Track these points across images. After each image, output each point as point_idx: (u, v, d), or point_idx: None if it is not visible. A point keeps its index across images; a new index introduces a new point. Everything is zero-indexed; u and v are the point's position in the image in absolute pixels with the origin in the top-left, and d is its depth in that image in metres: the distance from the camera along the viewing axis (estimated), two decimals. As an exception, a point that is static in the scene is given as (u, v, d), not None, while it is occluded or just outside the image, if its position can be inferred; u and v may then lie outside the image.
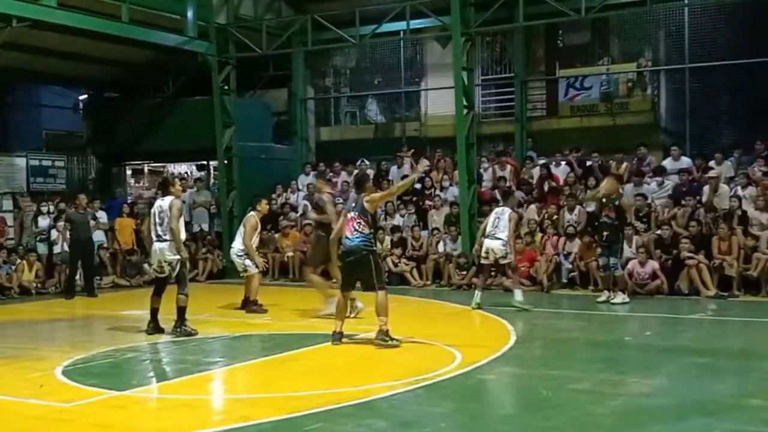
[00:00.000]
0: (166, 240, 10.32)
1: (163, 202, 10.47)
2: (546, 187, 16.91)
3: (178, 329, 10.41)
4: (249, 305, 12.69)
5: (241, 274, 12.92)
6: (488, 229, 12.61)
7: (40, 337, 11.34)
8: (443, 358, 8.59)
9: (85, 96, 23.51)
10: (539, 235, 15.60)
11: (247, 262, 12.63)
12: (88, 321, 12.55)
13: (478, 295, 12.44)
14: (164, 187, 10.90)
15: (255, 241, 12.84)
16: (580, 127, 18.84)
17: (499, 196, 15.59)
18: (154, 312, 10.65)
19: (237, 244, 12.80)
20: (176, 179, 11.71)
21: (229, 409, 7.25)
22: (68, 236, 15.75)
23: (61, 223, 16.55)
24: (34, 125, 22.62)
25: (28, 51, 17.68)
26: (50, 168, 20.62)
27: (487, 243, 12.51)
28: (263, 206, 13.01)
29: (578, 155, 17.23)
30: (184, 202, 19.48)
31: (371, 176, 14.11)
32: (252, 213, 12.81)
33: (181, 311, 10.43)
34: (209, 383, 8.24)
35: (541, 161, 17.67)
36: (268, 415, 6.55)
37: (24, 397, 7.29)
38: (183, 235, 10.59)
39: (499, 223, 12.53)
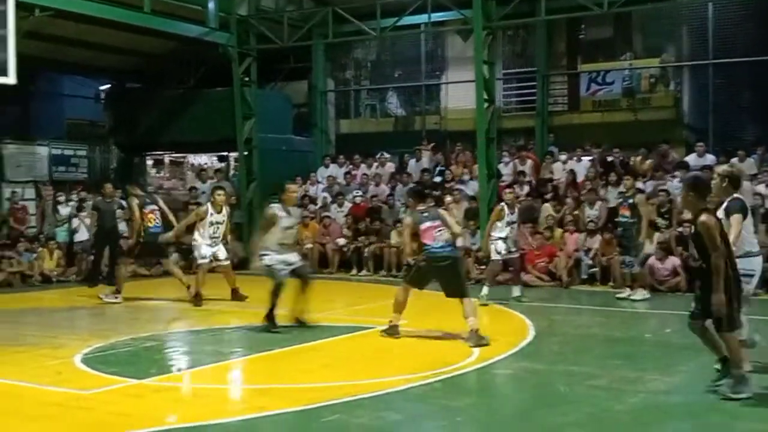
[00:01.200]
0: None
1: None
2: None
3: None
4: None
5: None
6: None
7: (60, 324, 11.42)
8: (461, 352, 8.57)
9: (107, 86, 23.63)
10: (558, 230, 15.52)
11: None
12: (108, 309, 12.61)
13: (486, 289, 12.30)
14: None
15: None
16: (601, 123, 18.73)
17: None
18: None
19: None
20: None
21: (246, 399, 7.28)
22: (94, 225, 15.84)
23: (84, 213, 16.67)
24: (56, 114, 22.76)
25: (50, 40, 17.80)
26: (72, 157, 20.76)
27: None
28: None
29: (600, 151, 17.12)
30: (203, 192, 19.76)
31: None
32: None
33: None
34: (227, 373, 8.28)
35: (562, 156, 17.57)
36: (285, 405, 6.57)
37: (43, 384, 7.35)
38: None
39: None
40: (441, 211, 9.92)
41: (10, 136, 19.63)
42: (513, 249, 12.73)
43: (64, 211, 17.45)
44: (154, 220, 12.84)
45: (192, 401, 7.16)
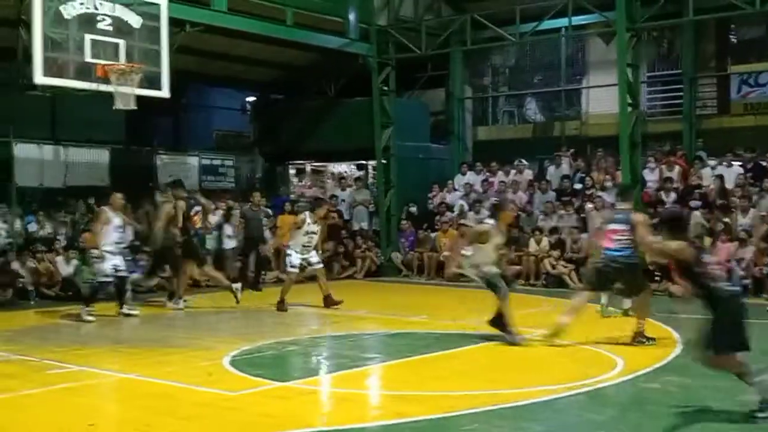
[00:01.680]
0: None
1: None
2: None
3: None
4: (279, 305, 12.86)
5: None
6: None
7: (208, 327, 11.89)
8: (604, 363, 8.33)
9: (253, 98, 24.49)
10: (708, 239, 14.83)
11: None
12: (253, 314, 13.04)
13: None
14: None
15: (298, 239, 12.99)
16: (754, 126, 17.80)
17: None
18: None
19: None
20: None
21: (385, 405, 7.34)
22: (242, 232, 16.44)
23: (232, 222, 17.28)
24: (205, 126, 23.78)
25: (200, 54, 18.62)
26: (220, 167, 21.61)
27: None
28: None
29: (752, 155, 16.26)
30: (343, 200, 20.17)
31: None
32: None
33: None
34: (366, 379, 8.38)
35: (712, 162, 16.81)
36: (423, 412, 6.58)
37: (194, 385, 7.67)
38: None
39: None
40: (637, 216, 9.62)
41: (163, 147, 20.66)
42: None
43: (213, 219, 18.15)
44: (200, 221, 13.42)
45: (333, 405, 7.28)
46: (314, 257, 13.11)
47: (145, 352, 9.55)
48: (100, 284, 12.28)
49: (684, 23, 17.41)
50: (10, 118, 16.30)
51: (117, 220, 12.44)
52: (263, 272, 16.94)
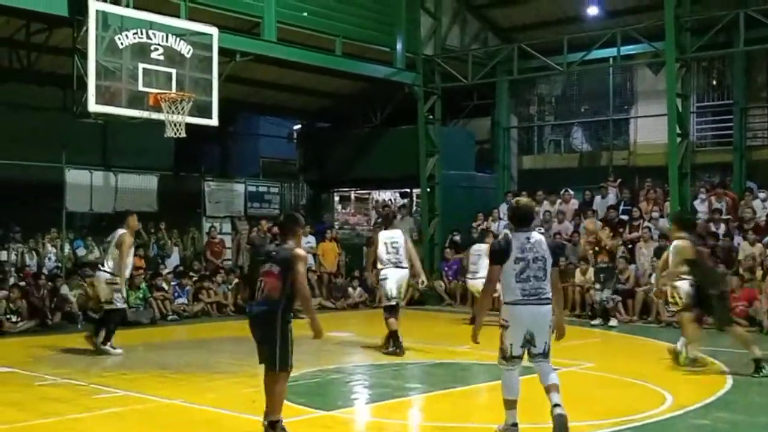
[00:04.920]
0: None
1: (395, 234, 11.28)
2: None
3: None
4: None
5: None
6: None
7: (252, 353, 11.81)
8: (652, 399, 8.17)
9: (299, 126, 24.73)
10: (759, 272, 14.53)
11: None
12: (296, 341, 13.02)
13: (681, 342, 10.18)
14: (387, 219, 11.90)
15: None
16: (808, 158, 17.47)
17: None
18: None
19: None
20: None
21: (429, 437, 7.28)
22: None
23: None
24: (252, 153, 24.07)
25: (249, 84, 18.90)
26: (266, 194, 21.80)
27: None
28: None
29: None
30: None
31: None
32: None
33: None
34: (409, 409, 8.33)
35: (762, 194, 16.50)
36: (468, 445, 6.50)
37: (238, 411, 7.71)
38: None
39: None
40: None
41: (210, 173, 20.96)
42: None
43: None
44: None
45: (376, 435, 7.24)
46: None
47: (190, 377, 9.61)
48: (118, 312, 11.42)
49: (735, 54, 17.21)
50: (63, 145, 16.68)
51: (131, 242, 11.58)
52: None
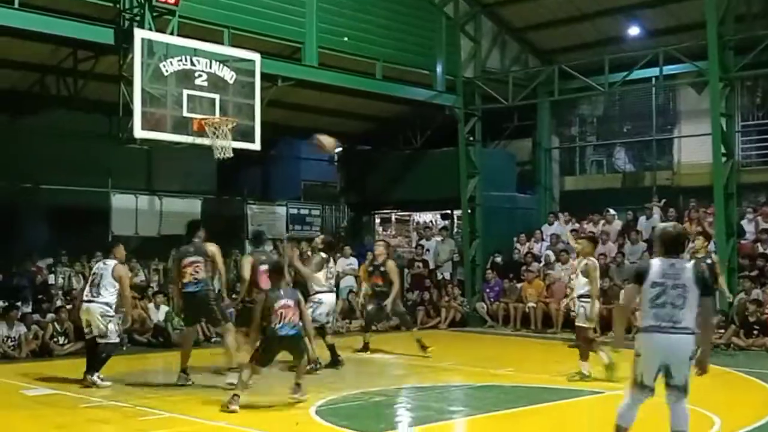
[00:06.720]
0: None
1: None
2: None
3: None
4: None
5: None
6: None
7: (292, 375, 11.93)
8: (701, 422, 8.00)
9: (340, 149, 24.85)
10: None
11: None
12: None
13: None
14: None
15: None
16: None
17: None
18: None
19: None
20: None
21: (472, 461, 7.22)
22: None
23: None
24: (293, 176, 24.23)
25: (290, 108, 19.08)
26: (307, 216, 21.95)
27: None
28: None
29: None
30: (428, 250, 20.10)
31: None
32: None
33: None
34: (453, 432, 8.28)
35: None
36: (512, 470, 6.44)
37: (281, 433, 7.72)
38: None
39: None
40: None
41: (252, 197, 21.15)
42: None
43: (300, 267, 18.35)
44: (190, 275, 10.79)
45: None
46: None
47: (233, 399, 9.64)
48: (114, 345, 10.80)
49: (780, 71, 16.98)
50: (109, 170, 16.97)
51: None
52: (347, 320, 17.02)
